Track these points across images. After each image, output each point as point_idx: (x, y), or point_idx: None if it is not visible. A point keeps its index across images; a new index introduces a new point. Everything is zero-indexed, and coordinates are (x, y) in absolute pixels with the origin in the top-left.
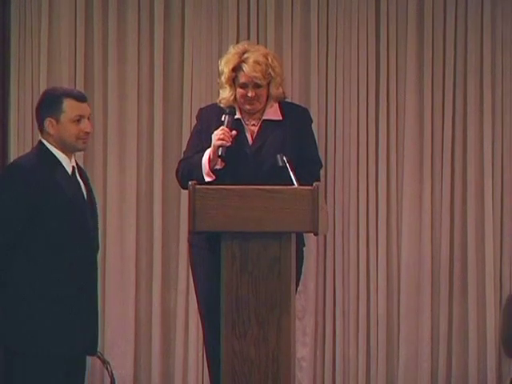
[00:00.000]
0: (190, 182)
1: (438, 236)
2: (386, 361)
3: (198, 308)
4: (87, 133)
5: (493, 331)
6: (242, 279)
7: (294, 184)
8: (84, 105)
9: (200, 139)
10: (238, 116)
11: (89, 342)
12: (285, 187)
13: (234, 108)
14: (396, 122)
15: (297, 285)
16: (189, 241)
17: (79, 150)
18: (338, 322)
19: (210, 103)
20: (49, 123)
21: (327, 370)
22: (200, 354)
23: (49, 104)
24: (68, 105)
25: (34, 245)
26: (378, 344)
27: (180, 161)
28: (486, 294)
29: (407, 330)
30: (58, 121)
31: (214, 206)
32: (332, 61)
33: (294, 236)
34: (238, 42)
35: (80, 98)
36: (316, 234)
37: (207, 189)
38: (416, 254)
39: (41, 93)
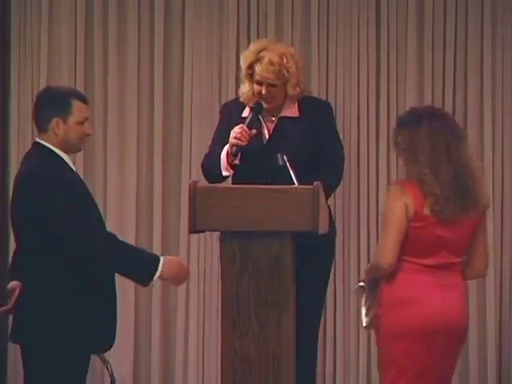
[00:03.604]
0: (189, 182)
1: None
2: None
3: None
4: (88, 134)
5: (493, 327)
6: (242, 278)
7: (294, 183)
8: (88, 107)
9: (222, 134)
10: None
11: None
12: (285, 186)
13: (261, 103)
14: (396, 117)
15: (328, 277)
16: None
17: (79, 151)
18: (337, 322)
19: (210, 103)
20: (56, 123)
21: (328, 370)
22: (200, 352)
23: (57, 103)
24: (77, 107)
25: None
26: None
27: (205, 155)
28: (487, 291)
29: None
30: (65, 122)
31: (214, 206)
32: (332, 60)
33: (293, 235)
34: (238, 42)
35: (86, 100)
36: (317, 234)
37: (207, 188)
38: None
39: None
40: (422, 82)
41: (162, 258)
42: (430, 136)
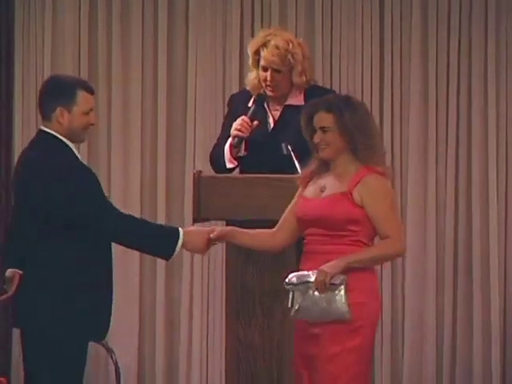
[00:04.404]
0: (193, 171)
1: (443, 227)
2: (390, 356)
3: None
4: (92, 124)
5: (497, 321)
6: (246, 268)
7: (298, 172)
8: (93, 97)
9: (229, 125)
10: (269, 93)
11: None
12: (289, 175)
13: (264, 94)
14: (400, 111)
15: None
16: None
17: (83, 141)
18: None
19: (214, 96)
20: (60, 113)
21: None
22: (204, 342)
23: (62, 93)
24: (82, 97)
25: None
26: (382, 340)
27: (213, 147)
28: (491, 286)
29: (412, 324)
30: (69, 111)
31: (218, 195)
32: (336, 54)
33: None
34: (241, 36)
35: (91, 91)
36: None
37: (211, 177)
38: (421, 247)
39: None
40: (426, 76)
41: (181, 231)
42: (370, 116)
